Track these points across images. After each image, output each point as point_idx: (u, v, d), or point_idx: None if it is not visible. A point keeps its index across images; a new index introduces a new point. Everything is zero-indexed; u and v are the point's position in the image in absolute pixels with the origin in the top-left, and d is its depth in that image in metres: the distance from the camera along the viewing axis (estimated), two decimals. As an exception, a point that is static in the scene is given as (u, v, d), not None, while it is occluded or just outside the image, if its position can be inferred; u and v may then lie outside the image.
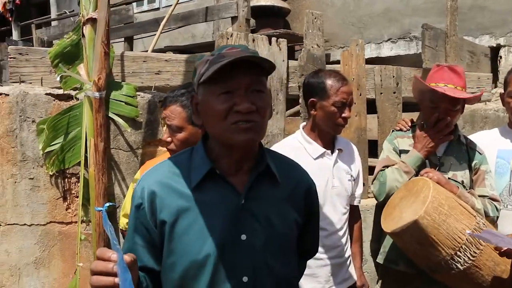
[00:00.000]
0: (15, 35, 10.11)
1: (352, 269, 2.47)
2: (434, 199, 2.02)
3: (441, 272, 2.08)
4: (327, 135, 2.34)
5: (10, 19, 10.10)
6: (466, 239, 2.00)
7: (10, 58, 2.79)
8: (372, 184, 2.52)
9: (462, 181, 2.38)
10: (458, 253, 2.00)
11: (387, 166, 2.45)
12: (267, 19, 6.21)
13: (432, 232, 1.99)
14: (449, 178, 2.32)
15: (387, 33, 5.55)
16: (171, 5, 5.50)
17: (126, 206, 2.27)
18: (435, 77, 2.39)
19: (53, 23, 8.82)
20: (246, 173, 1.36)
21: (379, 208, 2.48)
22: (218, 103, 1.26)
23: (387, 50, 5.47)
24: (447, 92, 2.27)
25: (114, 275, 1.06)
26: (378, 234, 2.99)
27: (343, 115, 2.26)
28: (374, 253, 3.02)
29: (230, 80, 1.25)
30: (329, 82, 2.28)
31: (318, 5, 6.02)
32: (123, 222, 2.29)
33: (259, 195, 1.35)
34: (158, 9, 8.32)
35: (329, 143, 2.38)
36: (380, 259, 2.61)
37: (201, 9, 5.78)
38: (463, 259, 2.00)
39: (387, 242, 2.53)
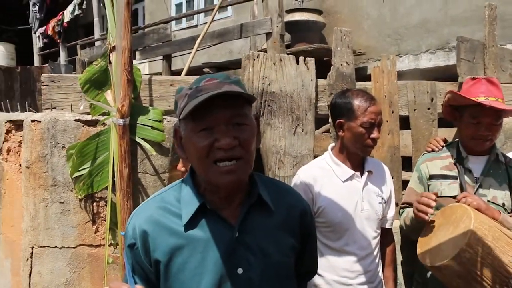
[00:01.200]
0: (62, 56, 10.54)
1: None
2: (476, 229, 1.88)
3: None
4: (356, 156, 2.27)
5: (58, 41, 10.54)
6: None
7: (43, 85, 2.89)
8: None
9: (503, 204, 2.23)
10: None
11: (408, 204, 2.40)
12: (302, 34, 6.17)
13: (476, 266, 1.85)
14: (488, 201, 2.18)
15: (425, 44, 5.39)
16: (210, 24, 5.58)
17: None
18: (472, 91, 2.25)
19: (97, 43, 9.14)
20: (237, 206, 1.33)
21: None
22: (198, 141, 1.22)
23: (425, 62, 5.31)
24: (494, 105, 2.13)
25: None
26: (411, 257, 2.87)
27: (372, 136, 2.18)
28: (407, 277, 2.89)
29: (209, 115, 1.21)
30: (356, 102, 2.21)
31: (354, 18, 5.94)
32: None
33: (252, 226, 1.32)
34: (196, 26, 8.46)
35: (358, 165, 2.31)
36: (416, 287, 2.49)
37: (236, 26, 5.83)
38: None
39: (425, 270, 2.40)
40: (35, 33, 11.28)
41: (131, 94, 2.49)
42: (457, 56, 3.34)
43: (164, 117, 2.77)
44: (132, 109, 2.63)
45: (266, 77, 2.94)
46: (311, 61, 3.06)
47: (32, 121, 2.69)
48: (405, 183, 3.07)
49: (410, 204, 2.46)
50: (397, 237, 2.90)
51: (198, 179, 1.34)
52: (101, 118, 2.70)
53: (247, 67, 2.95)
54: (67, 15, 9.79)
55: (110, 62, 2.68)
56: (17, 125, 2.88)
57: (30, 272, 2.68)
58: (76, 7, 9.43)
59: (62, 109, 2.86)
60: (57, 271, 2.67)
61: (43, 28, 10.83)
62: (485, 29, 3.50)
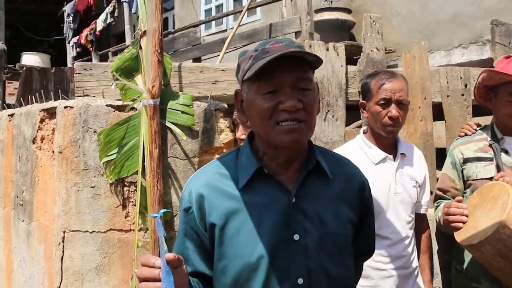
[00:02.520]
0: (95, 63, 10.78)
1: (420, 282, 2.30)
2: None
3: None
4: (385, 139, 2.22)
5: (91, 49, 10.81)
6: None
7: (76, 73, 2.94)
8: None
9: None
10: None
11: (442, 190, 2.38)
12: (332, 33, 6.14)
13: None
14: None
15: (457, 38, 5.28)
16: (239, 26, 5.62)
17: None
18: (507, 68, 2.19)
19: (128, 50, 9.28)
20: (295, 171, 1.31)
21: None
22: (262, 102, 1.22)
23: (457, 57, 5.20)
24: None
25: (159, 280, 1.05)
26: (449, 245, 2.77)
27: (389, 114, 2.12)
28: (444, 266, 2.80)
29: (274, 77, 1.21)
30: (373, 81, 2.18)
31: (383, 14, 5.85)
32: None
33: (310, 193, 1.30)
34: (225, 30, 8.54)
35: (390, 147, 2.26)
36: (455, 276, 2.40)
37: (265, 26, 5.86)
38: None
39: (464, 257, 2.33)
40: (68, 43, 11.61)
41: (161, 75, 2.51)
42: (492, 39, 3.26)
43: (194, 102, 2.78)
44: (162, 95, 2.64)
45: (295, 63, 2.92)
46: (341, 47, 3.03)
47: (65, 107, 2.74)
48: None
49: (444, 192, 2.40)
50: (432, 225, 2.82)
51: (256, 145, 1.34)
52: (131, 103, 2.73)
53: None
54: (99, 23, 10.05)
55: (140, 48, 2.71)
56: (51, 113, 2.93)
57: (62, 257, 2.70)
58: (108, 16, 9.67)
59: (94, 96, 2.90)
60: (87, 256, 2.69)
61: (77, 37, 11.14)
62: (521, 14, 3.40)
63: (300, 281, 1.25)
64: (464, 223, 1.99)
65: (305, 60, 1.23)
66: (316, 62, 1.25)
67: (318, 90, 1.33)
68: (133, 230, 2.67)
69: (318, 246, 1.27)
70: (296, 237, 1.26)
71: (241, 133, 2.00)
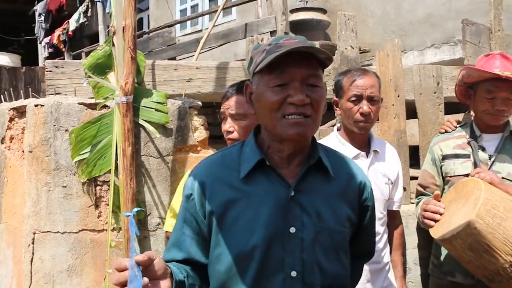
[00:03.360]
0: (68, 64, 10.57)
1: (391, 277, 2.31)
2: (486, 200, 1.84)
3: (500, 281, 1.87)
4: (358, 135, 2.23)
5: (64, 49, 10.61)
6: None
7: (47, 71, 2.87)
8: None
9: None
10: None
11: (423, 186, 2.42)
12: (307, 33, 6.15)
13: (487, 237, 1.80)
14: (503, 178, 2.14)
15: (429, 39, 5.36)
16: (214, 26, 5.59)
17: (173, 208, 2.15)
18: (487, 66, 2.23)
19: (102, 51, 9.14)
20: (297, 166, 1.33)
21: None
22: (272, 94, 1.25)
23: (430, 56, 5.28)
24: (510, 76, 2.11)
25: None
26: (426, 240, 2.81)
27: (361, 110, 2.13)
28: (422, 261, 2.84)
29: (285, 71, 1.24)
30: (345, 78, 2.19)
31: (358, 15, 5.89)
32: (170, 224, 2.16)
33: (309, 188, 1.31)
34: (200, 31, 8.49)
35: (363, 144, 2.26)
36: (432, 269, 2.44)
37: (240, 26, 5.84)
38: None
39: (440, 251, 2.37)
40: (40, 43, 11.37)
41: (134, 73, 2.47)
42: (463, 39, 3.31)
43: (168, 100, 2.74)
44: (135, 92, 2.60)
45: (270, 61, 2.91)
46: (316, 44, 3.03)
47: (36, 105, 2.68)
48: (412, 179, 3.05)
49: (424, 188, 2.43)
50: (405, 221, 2.85)
51: (262, 138, 1.36)
52: (104, 100, 2.68)
53: (251, 51, 2.92)
54: (72, 23, 9.87)
55: (114, 45, 2.66)
56: (20, 112, 2.86)
57: (32, 259, 2.64)
58: (82, 15, 9.51)
59: (66, 94, 2.84)
60: (59, 257, 2.63)
61: (49, 37, 10.91)
62: (490, 14, 3.47)
63: (294, 273, 1.26)
64: (436, 221, 2.02)
65: (316, 58, 1.26)
66: (326, 60, 1.28)
67: (326, 90, 1.36)
68: (106, 230, 2.63)
69: (314, 240, 1.28)
70: (292, 230, 1.27)
71: (230, 126, 1.99)
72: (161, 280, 1.14)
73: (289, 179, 1.30)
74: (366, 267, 2.18)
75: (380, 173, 2.26)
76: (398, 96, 3.06)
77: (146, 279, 1.07)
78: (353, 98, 2.14)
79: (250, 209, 1.28)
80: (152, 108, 2.68)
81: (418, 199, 2.47)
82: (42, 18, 11.15)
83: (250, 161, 1.31)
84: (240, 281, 1.27)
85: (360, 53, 4.56)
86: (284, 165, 1.32)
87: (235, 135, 1.96)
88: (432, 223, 2.04)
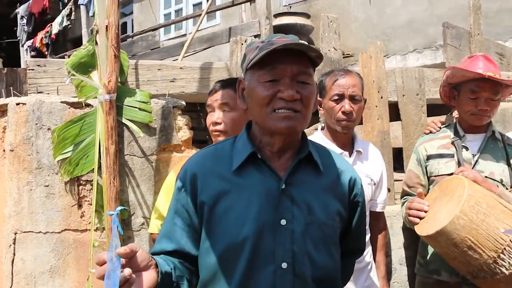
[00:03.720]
0: (50, 68, 10.45)
1: (374, 276, 2.32)
2: (470, 197, 1.86)
3: (484, 277, 1.88)
4: (341, 135, 2.25)
5: (46, 53, 10.49)
6: (510, 240, 1.81)
7: (29, 70, 2.84)
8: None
9: (501, 180, 2.23)
10: (502, 255, 1.81)
11: (408, 186, 2.45)
12: (291, 37, 6.21)
13: (470, 233, 1.82)
14: (486, 177, 2.18)
15: (412, 43, 5.45)
16: (198, 31, 5.59)
17: (158, 208, 2.12)
18: (470, 67, 2.27)
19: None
20: (288, 160, 1.35)
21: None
22: (263, 89, 1.28)
23: (412, 61, 5.36)
24: (493, 77, 2.15)
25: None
26: (411, 241, 2.83)
27: (342, 109, 2.15)
28: (408, 261, 2.86)
29: (276, 67, 1.27)
30: (328, 78, 2.22)
31: (341, 20, 5.96)
32: (154, 225, 2.13)
33: (300, 181, 1.33)
34: (184, 35, 8.48)
35: (346, 144, 2.28)
36: (418, 269, 2.47)
37: (224, 30, 5.84)
38: (508, 262, 1.80)
39: (427, 250, 2.40)
40: (22, 46, 11.24)
41: (118, 71, 2.46)
42: (444, 41, 3.37)
43: (152, 99, 2.73)
44: (119, 91, 2.59)
45: (254, 61, 2.92)
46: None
47: (17, 104, 2.64)
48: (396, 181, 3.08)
49: (410, 188, 2.45)
50: (390, 221, 2.87)
51: (253, 132, 1.39)
52: (87, 99, 2.66)
53: (235, 52, 2.94)
54: (55, 26, 9.77)
55: (97, 44, 2.65)
56: (1, 111, 2.82)
57: (13, 260, 2.59)
58: (65, 18, 9.42)
59: (48, 93, 2.81)
60: (41, 258, 2.59)
61: (31, 41, 10.79)
62: (469, 18, 3.54)
63: (284, 265, 1.27)
64: (421, 218, 2.05)
65: (307, 56, 1.29)
66: (317, 58, 1.31)
67: (317, 88, 1.39)
68: (89, 230, 2.60)
69: (304, 232, 1.30)
70: (283, 222, 1.29)
71: (217, 117, 1.99)
72: (144, 271, 1.15)
73: (280, 172, 1.33)
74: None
75: (363, 174, 2.27)
76: (382, 98, 3.10)
77: (127, 271, 1.07)
78: (335, 97, 2.16)
79: (241, 201, 1.30)
80: (136, 107, 2.67)
81: (404, 199, 2.49)
82: (25, 21, 11.01)
83: (242, 154, 1.33)
84: (230, 273, 1.28)
85: (343, 57, 4.61)
86: (275, 159, 1.35)
87: (222, 126, 1.96)
88: (417, 220, 2.06)
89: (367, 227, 2.29)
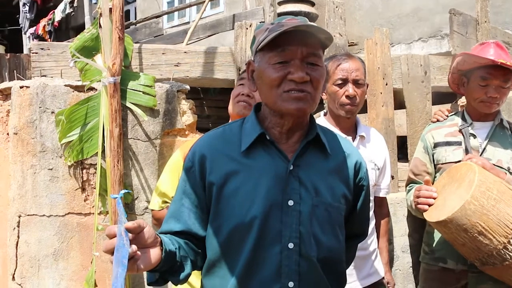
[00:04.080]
0: (53, 55, 10.42)
1: (378, 264, 2.31)
2: (480, 182, 1.85)
3: (493, 264, 1.88)
4: (345, 120, 2.23)
5: (49, 40, 10.44)
6: None
7: (33, 53, 2.83)
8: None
9: (509, 168, 2.22)
10: None
11: (414, 174, 2.43)
12: (295, 25, 6.17)
13: (481, 218, 1.81)
14: (493, 164, 2.15)
15: (417, 32, 5.40)
16: (201, 18, 5.55)
17: (160, 185, 2.08)
18: (481, 54, 2.24)
19: (88, 41, 9.03)
20: (296, 142, 1.36)
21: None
22: (273, 71, 1.28)
23: (418, 50, 5.31)
24: (504, 63, 2.12)
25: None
26: (414, 228, 2.83)
27: (346, 93, 2.14)
28: (411, 248, 2.86)
29: (286, 49, 1.27)
30: (331, 63, 2.20)
31: (346, 8, 5.93)
32: (156, 202, 2.09)
33: (307, 163, 1.35)
34: (188, 23, 8.44)
35: (350, 129, 2.26)
36: (423, 257, 2.46)
37: (228, 17, 5.80)
38: None
39: (432, 238, 2.39)
40: (25, 33, 11.18)
41: (122, 53, 2.45)
42: (450, 28, 3.33)
43: (156, 83, 2.72)
44: (123, 75, 2.58)
45: (259, 46, 2.90)
46: (304, 31, 3.03)
47: (21, 87, 2.64)
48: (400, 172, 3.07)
49: (416, 176, 2.44)
50: (393, 209, 2.87)
51: (262, 114, 1.39)
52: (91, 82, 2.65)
53: (240, 36, 2.92)
54: (58, 14, 9.71)
55: (100, 27, 2.63)
56: (5, 95, 2.81)
57: (17, 242, 2.60)
58: (68, 6, 9.36)
59: (52, 77, 2.80)
60: (44, 241, 2.60)
61: (34, 28, 10.73)
62: (477, 5, 3.50)
63: (291, 245, 1.28)
64: (430, 205, 2.04)
65: (317, 38, 1.28)
66: (327, 40, 1.31)
67: (327, 71, 1.40)
68: (93, 213, 2.60)
69: (311, 213, 1.31)
70: (291, 202, 1.30)
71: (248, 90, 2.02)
72: (150, 248, 1.16)
73: (288, 154, 1.34)
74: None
75: (367, 158, 2.25)
76: (386, 85, 3.07)
77: (134, 247, 1.08)
78: (339, 82, 2.15)
79: (250, 181, 1.30)
80: (140, 91, 2.66)
81: (410, 186, 2.48)
82: (27, 8, 10.94)
83: (251, 135, 1.34)
84: (238, 252, 1.29)
85: (348, 46, 4.57)
86: (284, 141, 1.36)
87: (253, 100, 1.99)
88: (426, 207, 2.05)
89: (371, 213, 2.29)
